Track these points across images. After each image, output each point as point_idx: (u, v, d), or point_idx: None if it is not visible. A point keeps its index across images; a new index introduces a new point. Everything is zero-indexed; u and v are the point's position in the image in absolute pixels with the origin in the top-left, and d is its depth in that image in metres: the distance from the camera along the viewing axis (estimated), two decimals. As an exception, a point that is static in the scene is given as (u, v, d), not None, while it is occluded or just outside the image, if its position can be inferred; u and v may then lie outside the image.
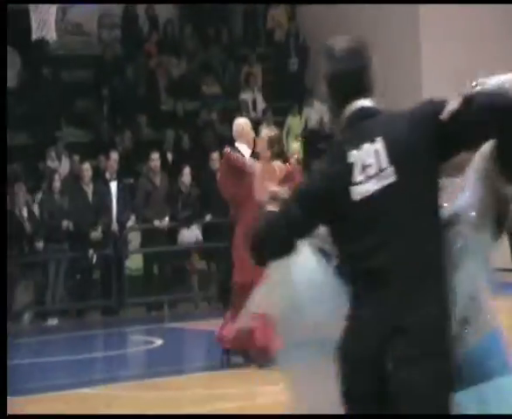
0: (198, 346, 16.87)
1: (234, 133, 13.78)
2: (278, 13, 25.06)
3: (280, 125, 22.88)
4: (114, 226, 18.92)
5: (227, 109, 23.05)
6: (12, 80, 21.07)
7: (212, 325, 17.22)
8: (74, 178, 19.63)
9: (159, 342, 16.14)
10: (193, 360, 15.89)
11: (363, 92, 4.53)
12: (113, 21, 23.56)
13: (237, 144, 13.51)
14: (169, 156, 21.15)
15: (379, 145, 4.38)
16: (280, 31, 24.90)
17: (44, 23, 14.26)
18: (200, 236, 20.11)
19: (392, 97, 23.48)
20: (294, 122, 23.13)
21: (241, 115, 22.92)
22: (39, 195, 18.91)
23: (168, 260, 20.05)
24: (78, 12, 22.38)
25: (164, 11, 24.05)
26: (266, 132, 13.45)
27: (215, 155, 20.14)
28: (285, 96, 23.74)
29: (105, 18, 23.48)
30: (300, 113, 23.32)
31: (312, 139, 22.17)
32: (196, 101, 23.06)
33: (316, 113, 22.77)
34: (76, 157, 19.91)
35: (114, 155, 19.31)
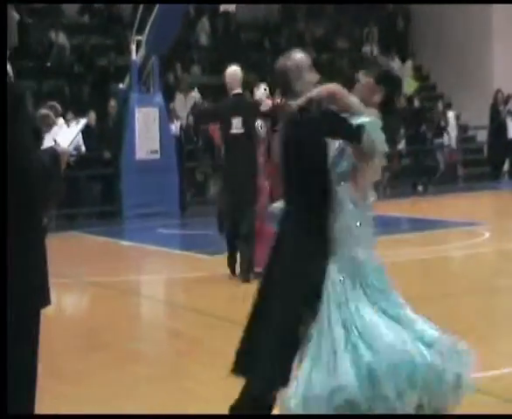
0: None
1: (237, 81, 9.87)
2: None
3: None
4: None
5: (353, 59, 22.82)
6: (203, 39, 21.21)
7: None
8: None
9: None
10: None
11: None
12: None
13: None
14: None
15: None
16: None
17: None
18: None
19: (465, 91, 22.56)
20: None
21: (364, 64, 22.72)
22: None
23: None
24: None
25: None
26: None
27: (345, 91, 20.27)
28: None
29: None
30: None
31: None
32: (331, 53, 22.80)
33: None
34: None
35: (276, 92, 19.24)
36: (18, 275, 3.62)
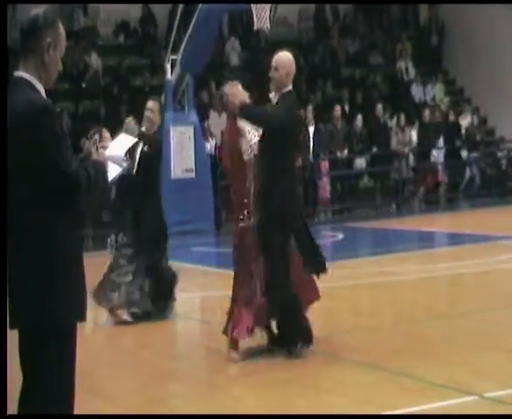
0: (367, 239, 16.74)
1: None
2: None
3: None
4: (310, 157, 18.91)
5: (387, 74, 22.73)
6: (234, 58, 21.25)
7: (377, 224, 17.05)
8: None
9: (341, 236, 16.12)
10: (363, 247, 15.76)
11: None
12: (308, 14, 23.38)
13: None
14: (347, 108, 20.99)
15: None
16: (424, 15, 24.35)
17: (261, 17, 14.33)
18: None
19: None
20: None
21: (398, 78, 22.61)
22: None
23: (347, 180, 20.00)
24: (283, 8, 22.13)
25: (343, 6, 23.77)
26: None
27: (379, 106, 20.20)
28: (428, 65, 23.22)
29: (302, 13, 23.30)
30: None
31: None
32: (365, 69, 22.75)
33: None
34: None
35: (310, 108, 19.23)
36: (63, 288, 3.65)
